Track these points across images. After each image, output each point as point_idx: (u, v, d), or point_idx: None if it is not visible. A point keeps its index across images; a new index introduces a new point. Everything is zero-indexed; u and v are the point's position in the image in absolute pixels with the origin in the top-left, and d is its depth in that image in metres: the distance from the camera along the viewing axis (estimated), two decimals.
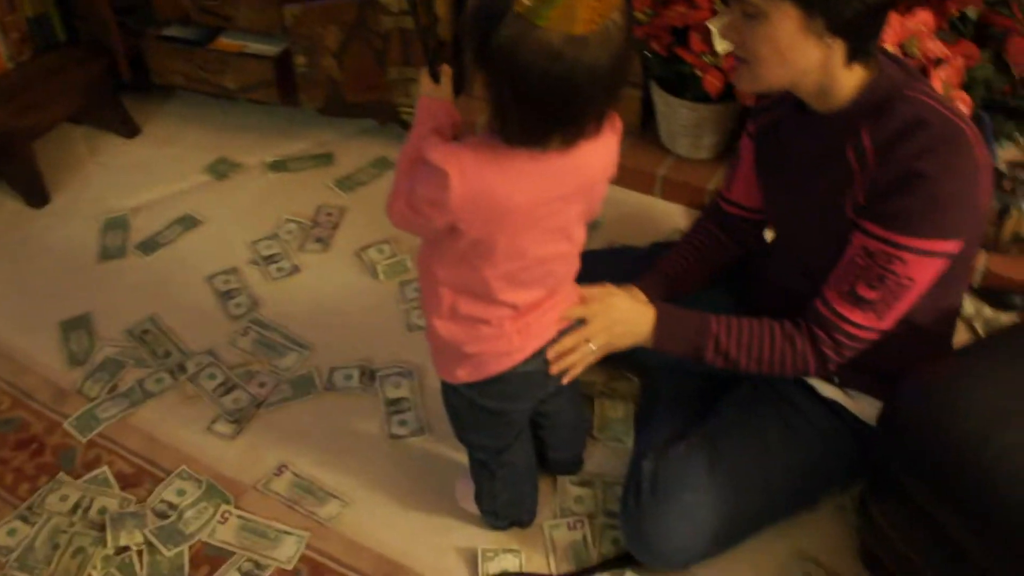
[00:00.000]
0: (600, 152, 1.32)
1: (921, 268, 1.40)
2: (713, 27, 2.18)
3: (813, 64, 1.37)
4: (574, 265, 1.46)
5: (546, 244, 1.35)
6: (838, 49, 1.36)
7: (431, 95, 1.40)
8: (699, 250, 1.81)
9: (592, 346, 1.49)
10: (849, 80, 1.41)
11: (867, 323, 1.45)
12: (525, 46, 1.13)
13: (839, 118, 1.44)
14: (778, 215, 1.70)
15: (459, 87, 1.41)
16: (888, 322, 1.45)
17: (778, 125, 1.61)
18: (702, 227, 1.85)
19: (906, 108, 1.39)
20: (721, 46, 2.18)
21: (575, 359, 1.49)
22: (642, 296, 1.64)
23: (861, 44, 1.37)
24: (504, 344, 1.43)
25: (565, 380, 1.51)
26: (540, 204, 1.29)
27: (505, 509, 1.75)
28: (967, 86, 2.14)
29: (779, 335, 1.50)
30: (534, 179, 1.27)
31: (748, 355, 1.51)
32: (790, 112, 1.56)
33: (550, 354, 1.46)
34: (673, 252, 1.83)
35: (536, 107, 1.20)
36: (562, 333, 1.48)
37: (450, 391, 1.57)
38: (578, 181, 1.31)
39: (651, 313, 1.53)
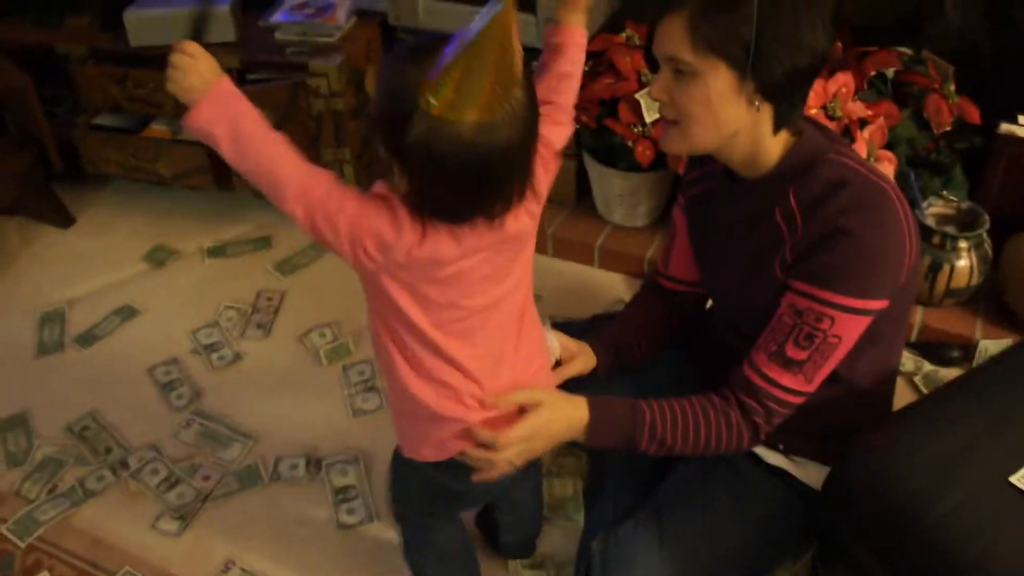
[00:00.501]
0: (519, 213, 1.29)
1: (849, 326, 1.41)
2: (642, 99, 2.22)
3: (742, 127, 1.39)
4: (525, 321, 1.42)
5: (474, 296, 1.33)
6: (766, 114, 1.38)
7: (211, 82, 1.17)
8: (642, 325, 1.82)
9: (514, 460, 1.44)
10: (775, 146, 1.44)
11: (795, 386, 1.45)
12: (438, 140, 1.13)
13: (766, 182, 1.46)
14: (711, 281, 1.71)
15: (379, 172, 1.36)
16: (814, 385, 1.46)
17: (708, 195, 1.63)
18: (643, 301, 1.86)
19: (828, 170, 1.41)
20: (651, 116, 2.22)
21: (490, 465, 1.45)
22: (585, 351, 1.64)
23: (788, 110, 1.39)
24: (466, 420, 1.40)
25: (475, 477, 1.46)
26: (464, 256, 1.28)
27: None
28: (891, 145, 2.19)
29: (712, 413, 1.50)
30: (456, 239, 1.26)
31: (684, 439, 1.50)
32: (719, 182, 1.57)
33: (467, 456, 1.43)
34: (617, 323, 1.82)
35: (457, 193, 1.20)
36: None
37: (406, 466, 1.52)
38: (500, 236, 1.29)
39: (583, 416, 1.48)
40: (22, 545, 1.93)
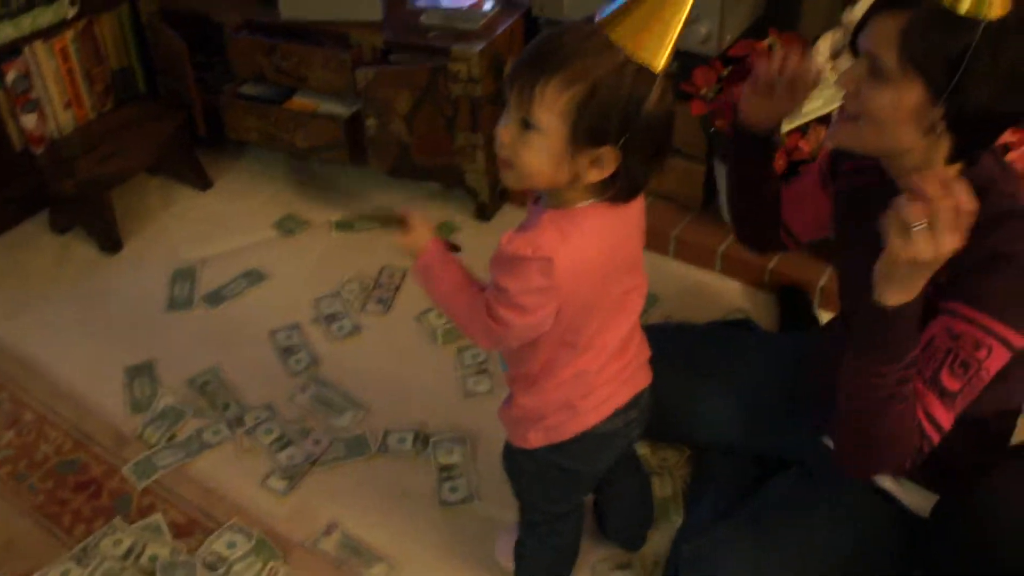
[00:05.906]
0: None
1: (998, 361, 1.33)
2: None
3: (916, 148, 1.34)
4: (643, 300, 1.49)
5: (622, 281, 1.40)
6: (945, 144, 1.32)
7: (423, 248, 1.46)
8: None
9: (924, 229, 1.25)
10: (946, 172, 1.37)
11: (942, 422, 1.36)
12: (660, 101, 1.23)
13: None
14: (853, 289, 1.62)
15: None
16: (951, 423, 1.36)
17: (867, 196, 1.54)
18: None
19: (999, 200, 1.34)
20: (787, 127, 2.20)
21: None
22: None
23: (969, 148, 1.33)
24: (593, 399, 1.46)
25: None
26: (616, 247, 1.35)
27: (542, 574, 1.75)
28: None
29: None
30: (609, 227, 1.32)
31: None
32: (880, 186, 1.48)
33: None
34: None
35: (656, 154, 1.28)
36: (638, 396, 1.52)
37: (524, 457, 1.56)
38: (634, 213, 1.38)
39: (916, 290, 1.29)
40: (139, 487, 2.01)
